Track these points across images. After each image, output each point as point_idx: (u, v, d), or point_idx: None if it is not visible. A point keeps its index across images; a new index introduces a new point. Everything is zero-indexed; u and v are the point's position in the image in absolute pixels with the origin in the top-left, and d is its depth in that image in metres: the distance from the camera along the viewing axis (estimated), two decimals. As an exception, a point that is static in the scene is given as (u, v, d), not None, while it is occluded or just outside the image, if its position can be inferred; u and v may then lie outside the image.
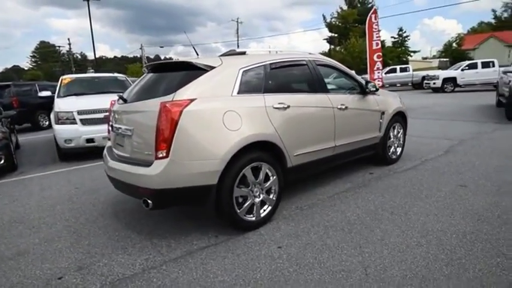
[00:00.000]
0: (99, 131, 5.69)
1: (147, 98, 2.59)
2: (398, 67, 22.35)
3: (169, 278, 2.17)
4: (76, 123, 5.65)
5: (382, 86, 16.10)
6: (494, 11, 54.24)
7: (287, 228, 2.78)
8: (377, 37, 11.85)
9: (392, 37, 41.47)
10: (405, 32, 42.42)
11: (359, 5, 42.43)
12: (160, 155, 2.32)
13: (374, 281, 1.99)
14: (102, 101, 6.01)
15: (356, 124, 3.76)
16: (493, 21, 55.67)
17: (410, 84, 22.02)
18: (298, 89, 3.23)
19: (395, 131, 4.50)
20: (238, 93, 2.66)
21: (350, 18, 39.55)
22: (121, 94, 3.04)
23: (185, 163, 2.34)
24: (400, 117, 4.53)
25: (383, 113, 4.14)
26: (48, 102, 8.22)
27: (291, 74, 3.25)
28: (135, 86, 3.04)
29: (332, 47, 42.90)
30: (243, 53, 3.15)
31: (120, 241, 2.74)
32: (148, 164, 2.41)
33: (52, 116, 5.86)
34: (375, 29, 11.81)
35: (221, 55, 3.15)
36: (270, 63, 2.98)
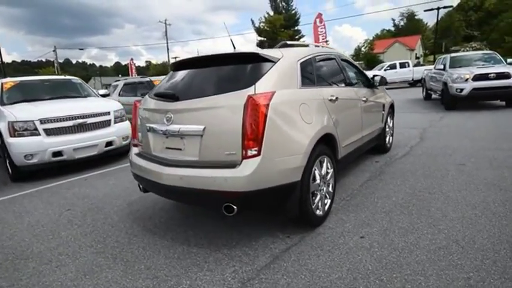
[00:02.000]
0: (68, 142, 4.87)
1: (212, 93, 2.33)
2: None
3: (279, 285, 1.99)
4: (39, 135, 4.70)
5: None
6: (393, 19, 63.21)
7: (350, 219, 2.80)
8: (323, 39, 12.71)
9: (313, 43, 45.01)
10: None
11: (283, 11, 44.98)
12: (251, 153, 2.11)
13: (474, 250, 2.15)
14: (68, 107, 5.20)
15: (371, 116, 4.00)
16: (392, 28, 65.06)
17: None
18: (336, 82, 3.28)
19: (390, 121, 4.91)
20: (302, 85, 2.59)
21: (277, 23, 41.57)
22: (159, 92, 2.65)
23: (276, 160, 2.17)
24: (391, 109, 4.96)
25: (383, 105, 4.49)
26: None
27: (329, 67, 3.29)
28: (176, 82, 2.70)
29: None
30: (286, 45, 3.07)
31: (184, 258, 2.39)
32: (230, 165, 2.16)
33: (2, 128, 4.77)
34: (321, 32, 12.66)
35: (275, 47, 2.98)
36: (316, 56, 2.97)
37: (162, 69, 52.93)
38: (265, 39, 43.67)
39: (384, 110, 4.49)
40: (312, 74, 2.81)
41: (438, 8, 24.08)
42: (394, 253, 2.22)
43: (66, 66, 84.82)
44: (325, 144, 2.71)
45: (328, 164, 2.77)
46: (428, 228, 2.53)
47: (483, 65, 9.21)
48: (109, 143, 5.38)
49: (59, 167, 5.08)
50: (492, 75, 8.01)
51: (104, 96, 6.34)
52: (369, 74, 5.91)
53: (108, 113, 5.46)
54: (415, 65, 20.51)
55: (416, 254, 2.19)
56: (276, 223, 2.79)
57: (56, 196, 4.11)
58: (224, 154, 2.19)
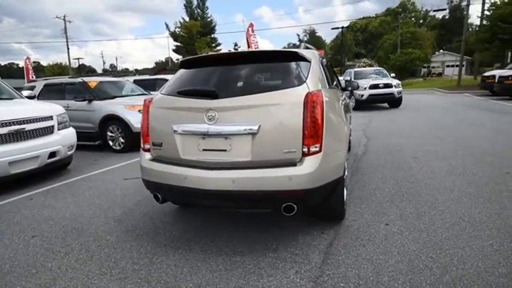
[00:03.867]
0: (1, 154, 3.89)
1: (260, 90, 2.24)
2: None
3: (349, 277, 2.03)
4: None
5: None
6: (298, 35, 69.54)
7: (364, 210, 3.02)
8: (255, 48, 13.16)
9: (229, 50, 46.31)
10: (240, 47, 48.27)
11: (199, 18, 44.81)
12: (313, 150, 2.10)
13: (479, 223, 2.61)
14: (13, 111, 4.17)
15: (348, 116, 4.39)
16: (297, 42, 71.66)
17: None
18: (332, 84, 3.48)
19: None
20: (328, 86, 2.71)
21: (194, 30, 41.12)
22: (190, 89, 2.37)
23: (331, 156, 2.21)
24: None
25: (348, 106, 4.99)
26: None
27: (328, 70, 3.49)
28: (204, 79, 2.48)
29: (180, 56, 43.34)
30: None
31: (233, 269, 2.21)
32: (289, 163, 2.11)
33: None
34: (253, 40, 13.11)
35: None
36: (322, 59, 3.13)
37: (59, 71, 46.09)
38: (181, 44, 42.68)
39: (350, 112, 4.97)
40: (326, 75, 2.96)
41: (342, 27, 27.64)
42: (423, 234, 2.52)
43: None
44: None
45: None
46: (431, 210, 2.93)
47: (375, 77, 12.59)
48: (52, 154, 4.49)
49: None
50: (381, 85, 11.58)
51: (30, 98, 5.23)
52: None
53: (51, 118, 4.56)
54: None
55: (439, 232, 2.52)
56: (299, 221, 2.81)
57: (2, 222, 3.21)
58: (282, 152, 2.13)
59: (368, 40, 65.46)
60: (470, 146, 5.27)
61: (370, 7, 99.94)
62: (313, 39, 68.55)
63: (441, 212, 2.87)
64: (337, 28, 29.26)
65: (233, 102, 2.20)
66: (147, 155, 2.55)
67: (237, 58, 2.58)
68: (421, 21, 65.76)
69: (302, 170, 2.08)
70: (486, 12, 18.52)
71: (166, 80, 9.81)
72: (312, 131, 2.09)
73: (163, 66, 46.25)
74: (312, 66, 2.45)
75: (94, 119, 6.59)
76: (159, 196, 2.47)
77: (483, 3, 20.15)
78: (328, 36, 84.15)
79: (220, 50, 44.24)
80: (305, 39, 71.60)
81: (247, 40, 13.08)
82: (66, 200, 3.77)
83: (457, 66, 28.95)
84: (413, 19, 65.63)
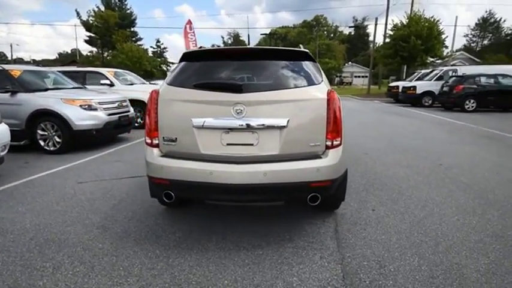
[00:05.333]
0: None
1: (284, 86, 2.32)
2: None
3: (368, 255, 2.28)
4: None
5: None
6: (222, 37, 70.05)
7: (349, 200, 3.35)
8: (193, 46, 12.88)
9: (151, 46, 43.95)
10: (162, 43, 46.30)
11: (117, 9, 41.19)
12: (336, 143, 2.28)
13: (473, 202, 3.18)
14: None
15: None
16: (222, 44, 72.13)
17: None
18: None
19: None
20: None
21: (111, 21, 37.60)
22: (212, 82, 2.26)
23: (345, 148, 2.42)
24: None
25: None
26: None
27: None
28: (222, 72, 2.41)
29: (95, 49, 39.25)
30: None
31: (260, 261, 2.23)
32: (314, 156, 2.25)
33: None
34: (191, 38, 12.79)
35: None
36: None
37: None
38: (95, 35, 38.53)
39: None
40: None
41: (271, 33, 28.90)
42: (405, 215, 2.94)
43: None
44: None
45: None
46: (401, 196, 3.43)
47: None
48: (-18, 155, 3.67)
49: None
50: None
51: None
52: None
53: (-20, 111, 3.71)
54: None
55: (416, 213, 2.99)
56: (296, 213, 2.97)
57: None
58: (308, 146, 2.24)
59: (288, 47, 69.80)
60: (402, 144, 6.23)
61: (288, 17, 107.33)
62: (238, 43, 70.05)
63: (409, 197, 3.39)
64: (266, 34, 30.29)
65: (261, 97, 2.22)
66: (155, 151, 2.36)
67: (248, 53, 2.58)
68: (332, 35, 73.50)
69: (327, 162, 2.24)
70: (389, 32, 22.05)
71: (98, 73, 8.97)
72: (334, 126, 2.27)
73: (73, 59, 41.06)
74: (319, 67, 2.64)
75: (20, 115, 5.53)
76: (172, 194, 2.31)
77: (386, 24, 23.94)
78: (251, 40, 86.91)
79: (142, 45, 41.59)
80: (229, 41, 72.63)
81: (185, 38, 12.68)
82: (16, 209, 3.14)
83: (363, 76, 33.25)
84: (325, 32, 73.09)
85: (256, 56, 2.53)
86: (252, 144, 2.22)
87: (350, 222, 2.83)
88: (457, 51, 35.16)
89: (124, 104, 6.68)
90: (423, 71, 17.38)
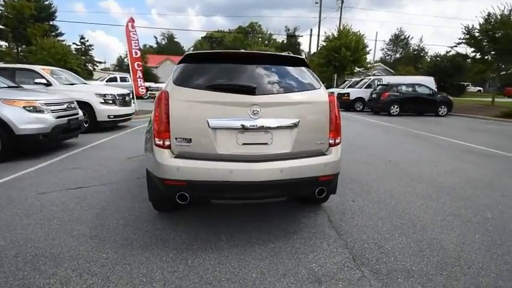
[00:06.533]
0: None
1: (290, 90, 2.50)
2: (118, 76, 22.71)
3: (366, 239, 2.60)
4: None
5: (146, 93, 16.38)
6: (155, 37, 67.15)
7: (328, 193, 3.70)
8: (135, 46, 12.21)
9: (74, 43, 40.01)
10: (88, 40, 42.43)
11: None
12: (337, 142, 2.55)
13: (462, 187, 3.73)
14: None
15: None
16: (155, 45, 69.05)
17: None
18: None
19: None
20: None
21: (26, 12, 33.04)
22: (227, 84, 2.30)
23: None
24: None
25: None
26: None
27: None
28: (230, 75, 2.47)
29: (5, 43, 34.06)
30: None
31: (277, 253, 2.37)
32: (319, 153, 2.48)
33: None
34: (133, 37, 12.11)
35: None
36: None
37: None
38: (6, 27, 33.40)
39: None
40: None
41: (207, 36, 28.61)
42: (381, 204, 3.38)
43: None
44: None
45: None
46: (370, 188, 3.90)
47: None
48: None
49: None
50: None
51: None
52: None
53: None
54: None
55: (388, 201, 3.46)
56: (287, 208, 3.19)
57: None
58: (315, 144, 2.47)
59: (224, 52, 69.81)
60: (354, 144, 6.94)
61: (222, 22, 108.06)
62: (172, 44, 67.83)
63: (377, 189, 3.88)
64: (208, 37, 29.93)
65: (274, 99, 2.37)
66: (167, 152, 2.32)
67: (253, 58, 2.69)
68: (266, 42, 76.35)
69: (331, 158, 2.50)
70: (323, 43, 24.06)
71: (31, 71, 7.92)
72: (335, 126, 2.55)
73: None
74: (313, 72, 2.90)
75: None
76: (187, 195, 2.30)
77: (318, 36, 26.03)
78: (185, 42, 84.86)
79: (64, 41, 37.45)
80: (163, 42, 69.87)
81: (127, 37, 11.90)
82: (-24, 226, 2.70)
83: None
84: (260, 39, 75.64)
85: (260, 60, 2.67)
86: (266, 144, 2.36)
87: (339, 212, 3.14)
88: (375, 62, 39.81)
89: (72, 105, 6.07)
90: (354, 79, 19.39)
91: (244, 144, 2.33)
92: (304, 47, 57.63)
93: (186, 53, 2.71)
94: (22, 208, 3.11)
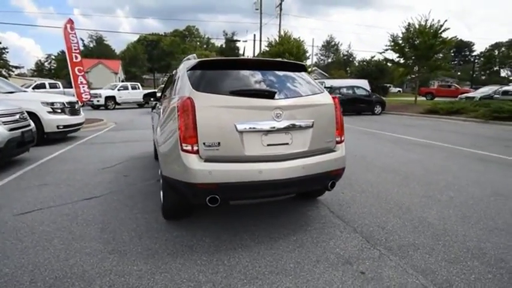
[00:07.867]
0: None
1: (305, 93, 2.76)
2: (47, 83, 20.36)
3: (374, 223, 2.96)
4: None
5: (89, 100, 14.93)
6: (82, 39, 61.78)
7: (317, 188, 4.02)
8: (75, 49, 11.27)
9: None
10: (1, 43, 37.33)
11: None
12: (342, 139, 2.85)
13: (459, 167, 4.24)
14: None
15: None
16: (82, 47, 63.32)
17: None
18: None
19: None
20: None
21: None
22: (249, 89, 2.43)
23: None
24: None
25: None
26: None
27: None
28: (245, 80, 2.61)
29: None
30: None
31: (293, 250, 2.57)
32: (329, 150, 2.76)
33: None
34: (73, 40, 11.17)
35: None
36: None
37: None
38: None
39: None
40: None
41: (140, 39, 27.36)
42: (368, 194, 3.81)
43: None
44: None
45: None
46: (355, 182, 4.33)
47: None
48: None
49: None
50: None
51: None
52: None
53: None
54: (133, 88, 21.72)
55: (376, 192, 3.92)
56: (285, 204, 3.43)
57: None
58: (325, 142, 2.74)
59: (161, 56, 67.37)
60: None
61: (156, 24, 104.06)
62: (101, 47, 62.90)
63: (356, 181, 4.34)
64: (142, 40, 28.51)
65: (292, 102, 2.58)
66: (196, 157, 2.35)
67: (264, 64, 2.86)
68: (204, 46, 75.81)
69: (339, 154, 2.80)
70: (266, 48, 25.00)
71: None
72: (340, 125, 2.86)
73: None
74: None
75: None
76: (218, 198, 2.36)
77: (260, 41, 27.01)
78: (116, 44, 79.46)
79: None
80: (91, 45, 64.37)
81: (65, 39, 10.84)
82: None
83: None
84: (198, 43, 74.83)
85: (270, 66, 2.86)
86: (287, 144, 2.55)
87: (336, 204, 3.48)
88: (313, 66, 42.65)
89: (24, 116, 5.43)
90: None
91: (268, 145, 2.49)
92: (242, 51, 58.73)
93: (199, 60, 2.76)
94: (7, 232, 2.78)
